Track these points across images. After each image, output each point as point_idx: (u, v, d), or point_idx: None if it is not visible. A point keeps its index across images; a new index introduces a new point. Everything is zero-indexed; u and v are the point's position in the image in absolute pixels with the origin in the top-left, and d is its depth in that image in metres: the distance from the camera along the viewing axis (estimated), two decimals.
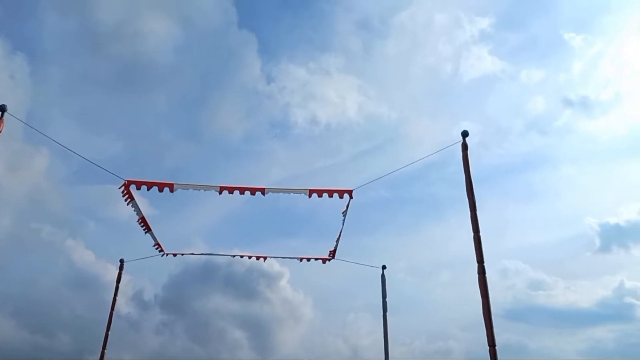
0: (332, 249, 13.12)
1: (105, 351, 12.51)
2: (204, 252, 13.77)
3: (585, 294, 27.23)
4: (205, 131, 36.58)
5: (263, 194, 10.02)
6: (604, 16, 38.16)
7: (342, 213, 10.97)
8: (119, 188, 9.83)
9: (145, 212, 11.38)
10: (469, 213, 7.92)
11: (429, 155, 9.41)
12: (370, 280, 13.60)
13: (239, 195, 10.03)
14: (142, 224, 11.67)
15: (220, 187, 9.86)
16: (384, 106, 36.26)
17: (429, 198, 32.03)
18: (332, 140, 36.19)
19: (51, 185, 30.38)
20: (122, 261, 13.52)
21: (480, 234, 7.74)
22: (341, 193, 10.06)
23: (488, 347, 7.09)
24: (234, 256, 13.66)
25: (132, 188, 9.83)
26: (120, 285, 13.31)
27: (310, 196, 10.00)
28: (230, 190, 9.93)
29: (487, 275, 7.46)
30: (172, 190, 9.69)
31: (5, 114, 7.64)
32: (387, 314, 13.07)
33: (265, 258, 13.71)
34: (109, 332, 12.68)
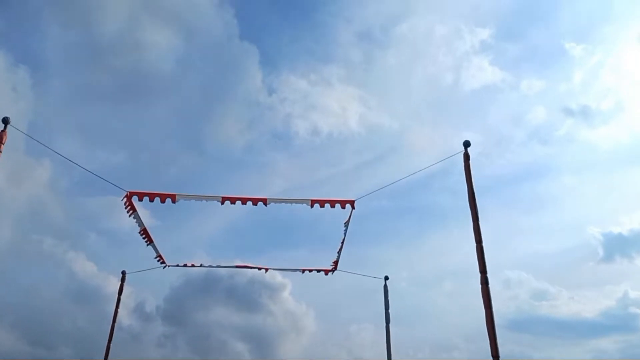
0: (335, 260, 13.09)
1: None
2: (206, 265, 13.75)
3: (589, 304, 27.10)
4: (207, 142, 36.69)
5: (265, 204, 10.01)
6: (604, 26, 38.37)
7: (344, 224, 10.96)
8: (121, 199, 9.83)
9: (147, 223, 11.38)
10: (472, 223, 7.90)
11: (431, 165, 9.42)
12: (372, 291, 13.57)
13: (241, 205, 10.04)
14: (144, 235, 11.66)
15: (222, 197, 9.87)
16: (385, 116, 36.36)
17: (431, 208, 32.01)
18: (334, 150, 36.27)
19: (53, 196, 30.43)
20: (123, 273, 13.51)
21: (483, 244, 7.72)
22: (343, 203, 10.06)
23: (491, 359, 7.04)
24: (236, 267, 13.62)
25: (134, 199, 9.84)
26: (122, 297, 13.29)
27: (312, 206, 9.99)
28: (232, 200, 9.92)
29: (490, 285, 7.43)
30: (174, 201, 9.69)
31: (8, 126, 7.67)
32: (390, 325, 13.01)
33: (267, 270, 13.67)
34: (111, 345, 12.63)
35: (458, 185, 8.36)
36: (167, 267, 13.15)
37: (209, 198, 9.88)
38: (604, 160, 34.07)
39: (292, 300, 27.23)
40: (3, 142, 7.52)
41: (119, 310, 13.11)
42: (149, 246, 12.09)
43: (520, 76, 37.89)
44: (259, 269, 13.65)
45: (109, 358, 12.52)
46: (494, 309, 7.26)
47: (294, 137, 36.26)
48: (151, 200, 9.68)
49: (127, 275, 13.53)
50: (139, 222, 10.97)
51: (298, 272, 13.68)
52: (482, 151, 28.57)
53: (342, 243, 12.07)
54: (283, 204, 10.25)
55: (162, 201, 9.66)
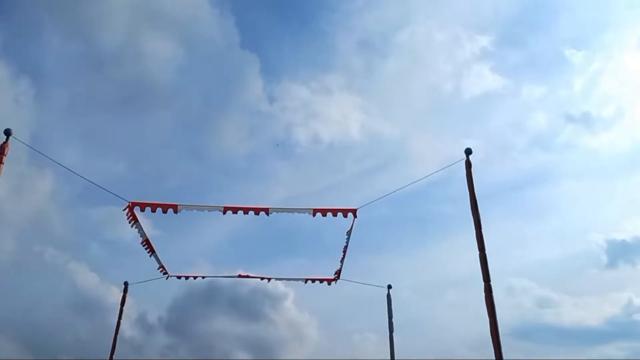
0: (337, 269, 13.07)
1: None
2: (208, 275, 13.74)
3: (593, 312, 26.94)
4: (208, 151, 36.77)
5: (267, 213, 10.03)
6: (604, 32, 38.50)
7: (347, 233, 10.97)
8: (123, 210, 9.85)
9: (149, 233, 11.39)
10: (474, 231, 7.90)
11: (433, 173, 9.43)
12: (375, 300, 13.53)
13: (243, 215, 10.06)
14: (146, 246, 11.66)
15: (224, 207, 9.88)
16: (386, 124, 36.40)
17: (433, 216, 31.98)
18: (335, 159, 36.31)
19: (55, 207, 30.46)
20: (126, 284, 13.49)
21: (486, 251, 7.71)
22: (345, 212, 10.07)
23: None
24: (239, 276, 13.60)
25: (136, 210, 9.85)
26: (124, 308, 13.26)
27: (314, 215, 10.00)
28: (234, 210, 9.94)
29: (494, 293, 7.40)
30: (176, 211, 9.71)
31: (10, 137, 7.70)
32: (394, 334, 12.96)
33: (269, 279, 13.64)
34: (113, 357, 12.58)
35: (460, 193, 8.38)
36: (169, 277, 13.15)
37: (211, 208, 9.89)
38: (606, 166, 34.05)
39: (295, 310, 27.14)
40: (5, 153, 7.55)
41: (121, 321, 13.09)
42: (151, 257, 12.09)
43: (521, 83, 38.02)
44: (262, 278, 13.62)
45: None
46: (497, 317, 7.23)
47: (295, 146, 36.28)
48: (153, 211, 9.69)
49: (129, 286, 13.51)
50: (141, 232, 10.98)
51: (301, 281, 13.66)
52: (483, 158, 28.53)
53: (345, 252, 12.06)
54: (285, 213, 10.27)
55: (164, 211, 9.67)
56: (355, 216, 10.10)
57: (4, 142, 7.62)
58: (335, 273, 13.25)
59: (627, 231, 30.93)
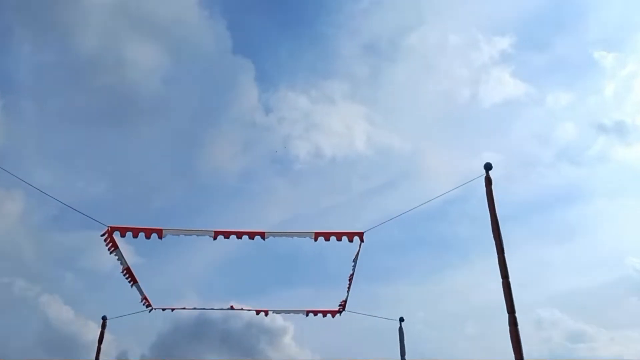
0: (343, 299, 13.01)
1: None
2: (197, 307, 13.68)
3: (632, 346, 26.60)
4: (197, 169, 36.83)
5: (263, 238, 10.03)
6: (637, 32, 38.69)
7: (353, 260, 10.95)
8: (101, 235, 9.84)
9: (130, 261, 11.37)
10: (496, 256, 7.87)
11: (448, 191, 9.46)
12: (386, 335, 13.45)
13: (236, 240, 10.07)
14: (127, 275, 11.63)
15: (215, 231, 9.89)
16: (395, 136, 36.51)
17: (449, 239, 31.87)
18: (339, 175, 36.35)
19: (25, 233, 30.45)
20: (104, 318, 13.39)
21: (510, 279, 7.66)
22: (351, 236, 10.07)
23: None
24: (231, 309, 13.53)
25: (116, 235, 9.85)
26: (102, 345, 13.15)
27: (316, 240, 10.01)
28: (226, 235, 9.95)
29: (520, 326, 7.35)
30: (160, 237, 9.71)
31: None
32: None
33: (267, 312, 13.57)
34: None
35: (479, 213, 8.39)
36: (153, 310, 13.09)
37: (200, 233, 9.90)
38: None
39: (295, 347, 26.89)
40: None
41: None
42: (133, 287, 12.05)
43: (545, 89, 38.19)
44: (257, 312, 13.56)
45: None
46: (524, 353, 7.17)
47: (294, 161, 36.36)
48: (135, 236, 9.68)
49: (108, 320, 13.41)
50: (122, 260, 10.96)
51: (301, 314, 13.59)
52: (505, 174, 28.56)
53: (351, 281, 12.02)
54: (283, 237, 10.29)
55: (147, 237, 9.67)
56: (362, 240, 10.10)
57: None
58: (340, 304, 13.19)
59: None
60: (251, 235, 10.02)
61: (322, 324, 13.66)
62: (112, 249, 10.35)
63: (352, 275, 11.81)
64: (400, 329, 13.29)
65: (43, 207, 30.04)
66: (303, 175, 36.54)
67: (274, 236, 10.12)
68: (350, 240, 10.08)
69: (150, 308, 13.04)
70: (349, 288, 12.41)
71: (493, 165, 8.50)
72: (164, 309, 13.28)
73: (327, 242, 10.02)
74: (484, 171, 8.50)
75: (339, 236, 10.07)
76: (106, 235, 9.84)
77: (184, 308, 13.46)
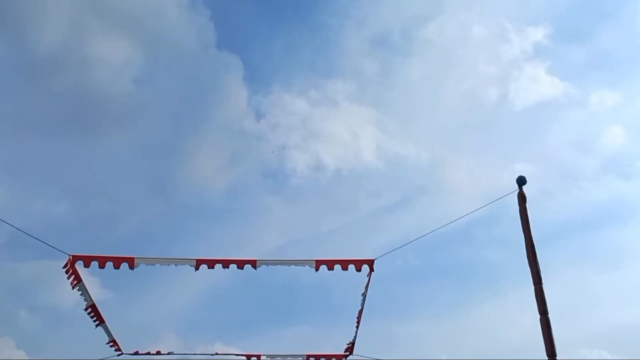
0: (350, 340, 12.92)
1: None
2: (176, 352, 13.57)
3: None
4: (176, 185, 36.75)
5: (254, 267, 10.02)
6: None
7: (362, 294, 10.90)
8: (63, 267, 9.81)
9: (96, 296, 11.29)
10: (532, 286, 7.86)
11: (475, 210, 9.45)
12: None
13: (222, 270, 10.04)
14: (92, 313, 11.54)
15: (197, 260, 9.87)
16: (410, 145, 36.40)
17: (476, 267, 31.64)
18: (344, 192, 36.19)
19: None
20: None
21: (549, 315, 7.65)
22: (359, 264, 10.06)
23: None
24: (217, 354, 13.44)
25: (79, 265, 9.82)
26: None
27: (317, 269, 10.02)
28: (211, 264, 9.93)
29: None
30: (132, 267, 9.69)
31: None
32: None
33: (259, 357, 13.48)
34: None
35: (511, 236, 8.36)
36: (122, 355, 13.00)
37: (180, 262, 9.89)
38: None
39: None
40: None
41: None
42: (99, 327, 11.97)
43: (588, 88, 38.09)
44: (248, 357, 13.47)
45: None
46: None
47: (290, 176, 36.29)
48: (101, 266, 9.67)
49: None
50: (86, 295, 10.89)
51: (301, 359, 13.50)
52: (541, 189, 28.37)
53: (359, 317, 11.95)
54: (278, 266, 10.26)
55: (117, 267, 9.66)
56: (371, 269, 10.08)
57: None
58: (348, 346, 13.10)
59: None
60: (240, 264, 9.99)
61: None
62: (75, 282, 10.29)
63: (361, 310, 11.74)
64: None
65: None
66: (301, 192, 36.36)
67: (267, 265, 10.09)
68: (358, 270, 10.09)
69: (119, 353, 12.91)
70: (357, 326, 12.33)
71: (527, 179, 8.51)
72: (136, 353, 13.19)
73: (330, 271, 10.03)
74: (516, 186, 8.51)
75: (344, 264, 10.05)
76: (68, 265, 9.80)
77: (159, 353, 13.36)
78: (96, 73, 34.24)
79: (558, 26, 36.82)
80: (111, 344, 12.68)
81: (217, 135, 36.84)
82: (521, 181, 8.48)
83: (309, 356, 13.49)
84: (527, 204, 8.36)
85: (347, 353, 13.14)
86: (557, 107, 35.77)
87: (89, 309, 11.47)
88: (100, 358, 12.79)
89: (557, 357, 7.40)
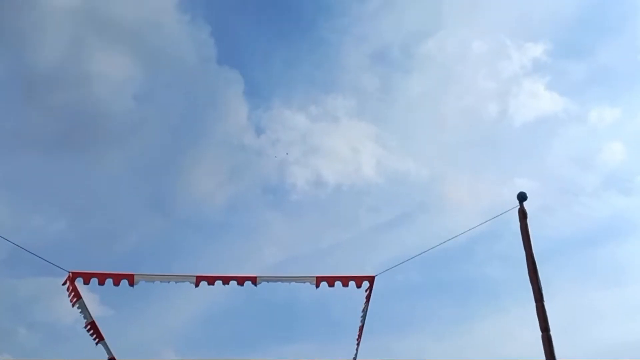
0: (351, 358, 12.90)
1: None
2: None
3: None
4: (176, 201, 36.77)
5: (254, 284, 10.00)
6: None
7: (362, 309, 10.88)
8: (62, 284, 9.80)
9: (96, 313, 11.25)
10: (534, 303, 7.87)
11: (475, 226, 9.46)
12: None
13: (222, 286, 10.01)
14: (91, 331, 11.50)
15: (197, 276, 9.85)
16: (410, 161, 36.46)
17: (477, 283, 31.57)
18: (344, 207, 36.18)
19: None
20: None
21: (551, 331, 7.66)
22: (359, 280, 10.06)
23: None
24: None
25: (79, 282, 9.80)
26: None
27: (318, 286, 10.01)
28: (210, 280, 9.91)
29: None
30: (132, 284, 9.68)
31: None
32: None
33: None
34: None
35: (512, 252, 8.38)
36: None
37: (180, 278, 9.88)
38: None
39: None
40: None
41: None
42: (99, 345, 11.94)
43: (587, 104, 38.18)
44: None
45: None
46: None
47: (290, 191, 36.31)
48: (101, 283, 9.67)
49: None
50: (85, 312, 10.86)
51: None
52: (542, 205, 28.31)
53: (360, 334, 11.92)
54: (279, 282, 10.26)
55: (116, 283, 9.66)
56: (372, 285, 10.10)
57: None
58: None
59: None
60: (240, 281, 9.98)
61: None
62: (74, 299, 10.27)
63: (361, 327, 11.72)
64: None
65: None
66: (301, 207, 36.35)
67: (267, 281, 10.07)
68: (359, 286, 10.09)
69: None
70: (358, 343, 12.30)
71: (528, 195, 8.53)
72: None
73: (331, 288, 10.02)
74: (517, 202, 8.53)
75: (345, 281, 10.05)
76: (67, 282, 9.78)
77: None
78: (96, 89, 34.33)
79: (557, 42, 36.98)
80: None
81: (216, 150, 36.91)
82: (522, 197, 8.50)
83: None
84: (527, 220, 8.38)
85: None
86: (556, 122, 35.85)
87: (89, 326, 11.43)
88: None
89: None
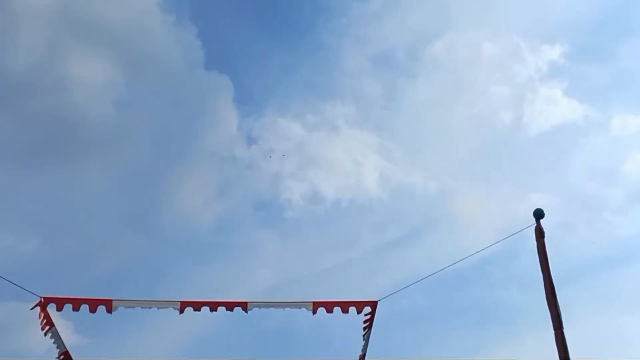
0: None
1: None
2: None
3: None
4: (159, 219, 36.68)
5: (245, 310, 9.96)
6: None
7: (363, 336, 10.84)
8: (32, 308, 9.76)
9: (70, 342, 11.20)
10: (552, 330, 7.85)
11: (489, 246, 9.46)
12: None
13: (210, 313, 9.97)
14: None
15: (182, 302, 9.82)
16: (416, 174, 36.44)
17: (490, 308, 31.48)
18: (344, 225, 36.10)
19: None
20: None
21: None
22: (361, 306, 10.05)
23: None
24: None
25: (51, 308, 9.76)
26: None
27: (315, 312, 9.99)
28: (197, 306, 9.88)
29: None
30: (110, 310, 9.63)
31: None
32: None
33: None
34: None
35: (529, 274, 8.37)
36: None
37: (163, 304, 9.85)
38: None
39: None
40: None
41: None
42: None
43: (609, 111, 38.22)
44: None
45: None
46: None
47: (285, 208, 36.26)
48: (76, 309, 9.62)
49: None
50: (58, 342, 10.81)
51: None
52: (561, 222, 28.34)
53: None
54: (272, 308, 10.26)
55: (93, 310, 9.61)
56: (374, 310, 10.10)
57: None
58: None
59: None
60: (229, 307, 9.94)
61: None
62: (47, 326, 10.22)
63: (363, 356, 11.68)
64: None
65: None
66: (297, 225, 36.25)
67: (259, 307, 10.05)
68: (359, 311, 10.08)
69: None
70: None
71: (545, 210, 8.54)
72: None
73: (329, 314, 9.99)
74: (533, 219, 8.53)
75: (345, 306, 10.03)
76: (39, 308, 9.74)
77: None
78: (72, 96, 34.33)
79: (576, 44, 37.08)
80: None
81: (204, 163, 36.87)
82: (539, 214, 8.50)
83: None
84: (545, 239, 8.37)
85: None
86: (576, 131, 35.86)
87: (62, 357, 11.39)
88: None
89: None
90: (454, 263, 9.77)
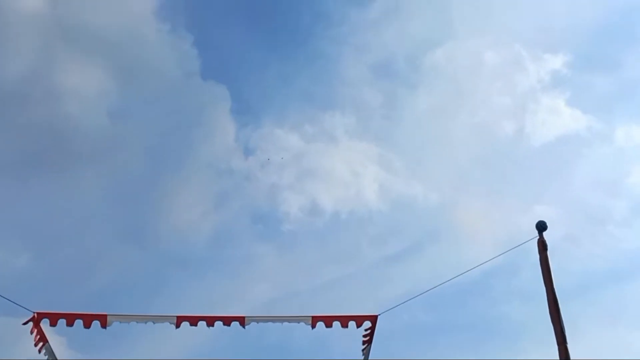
0: None
1: None
2: None
3: None
4: (155, 232, 36.63)
5: (242, 325, 9.98)
6: None
7: (363, 351, 10.84)
8: (24, 324, 9.76)
9: (64, 358, 11.24)
10: (556, 347, 7.87)
11: (491, 259, 9.47)
12: None
13: (207, 328, 10.00)
14: None
15: (178, 317, 9.84)
16: (417, 185, 36.44)
17: (492, 323, 31.38)
18: (344, 237, 36.05)
19: None
20: None
21: None
22: (360, 320, 10.06)
23: None
24: None
25: (44, 323, 9.76)
26: None
27: (314, 326, 10.00)
28: (193, 321, 9.90)
29: None
30: (104, 325, 9.62)
31: None
32: None
33: None
34: None
35: (533, 287, 8.39)
36: None
37: (158, 319, 9.86)
38: None
39: None
40: None
41: None
42: None
43: (613, 122, 38.28)
44: None
45: None
46: None
47: (283, 220, 36.24)
48: (70, 324, 9.61)
49: None
50: (52, 358, 10.80)
51: None
52: (564, 235, 28.28)
53: None
54: (270, 323, 10.27)
55: (87, 325, 9.60)
56: (374, 325, 10.12)
57: None
58: None
59: None
60: (227, 321, 9.97)
61: None
62: (40, 342, 10.22)
63: None
64: None
65: None
66: (295, 238, 36.20)
67: (257, 322, 10.07)
68: (359, 325, 10.08)
69: None
70: None
71: (549, 223, 8.56)
72: None
73: (328, 328, 10.01)
74: (536, 232, 8.55)
75: (344, 321, 10.04)
76: (32, 324, 9.74)
77: None
78: (66, 105, 34.33)
79: (579, 53, 37.17)
80: None
81: (200, 174, 36.85)
82: (541, 227, 8.52)
83: None
84: (548, 252, 8.39)
85: None
86: (579, 142, 35.89)
87: None
88: None
89: None
90: (456, 276, 9.80)
